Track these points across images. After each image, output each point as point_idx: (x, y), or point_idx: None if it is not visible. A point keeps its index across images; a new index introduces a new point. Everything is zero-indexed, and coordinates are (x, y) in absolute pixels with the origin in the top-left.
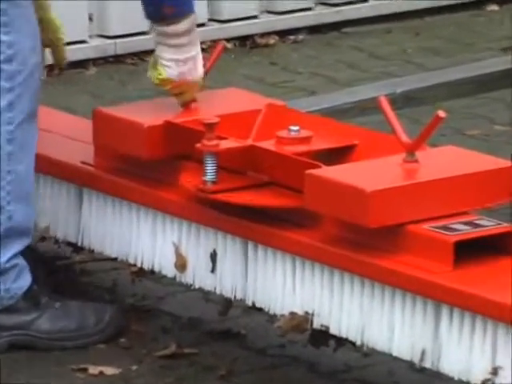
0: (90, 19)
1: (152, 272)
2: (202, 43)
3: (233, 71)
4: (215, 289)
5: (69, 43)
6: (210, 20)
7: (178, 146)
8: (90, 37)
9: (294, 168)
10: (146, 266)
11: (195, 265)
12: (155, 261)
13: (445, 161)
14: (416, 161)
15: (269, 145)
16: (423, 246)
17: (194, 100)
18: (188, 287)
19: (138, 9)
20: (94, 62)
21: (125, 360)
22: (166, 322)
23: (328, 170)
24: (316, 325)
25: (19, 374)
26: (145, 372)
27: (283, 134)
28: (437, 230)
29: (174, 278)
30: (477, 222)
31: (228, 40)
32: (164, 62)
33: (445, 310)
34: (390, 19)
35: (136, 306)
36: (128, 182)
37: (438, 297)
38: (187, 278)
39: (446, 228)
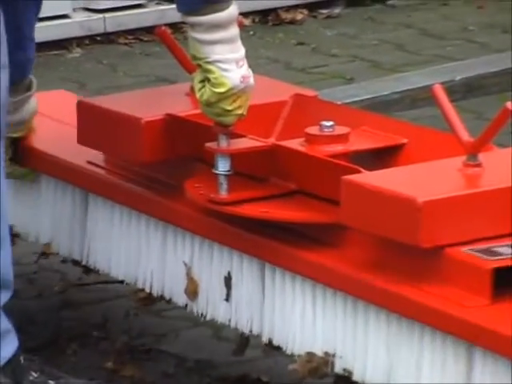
0: None
1: (161, 298)
2: None
3: (252, 53)
4: (230, 321)
5: (47, 18)
6: None
7: (183, 146)
8: (74, 10)
9: (328, 173)
10: (154, 291)
11: (208, 290)
12: (165, 285)
13: None
14: (479, 164)
15: (296, 144)
16: (457, 273)
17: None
18: (195, 323)
19: None
20: (79, 41)
21: None
22: (168, 365)
23: (370, 175)
24: (338, 369)
25: None
26: None
27: (314, 131)
28: (475, 253)
29: (185, 307)
30: None
31: (246, 15)
32: (222, 66)
33: (478, 354)
34: None
35: (131, 346)
36: (135, 188)
37: (469, 338)
38: (199, 306)
39: (487, 251)
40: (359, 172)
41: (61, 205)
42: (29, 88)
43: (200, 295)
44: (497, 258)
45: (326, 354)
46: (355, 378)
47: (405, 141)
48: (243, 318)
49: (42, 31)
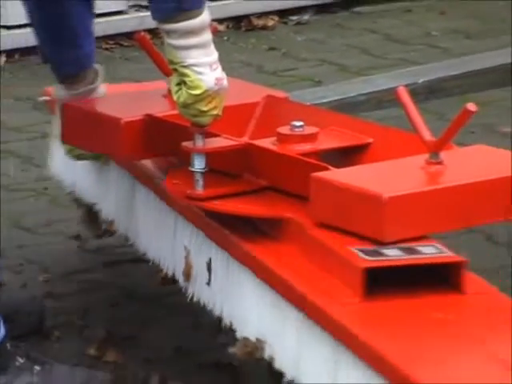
0: None
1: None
2: None
3: (226, 57)
4: (210, 304)
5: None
6: None
7: (161, 145)
8: None
9: (298, 170)
10: (169, 272)
11: (197, 274)
12: (175, 266)
13: (474, 162)
14: (441, 162)
15: (268, 143)
16: (339, 268)
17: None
18: (175, 312)
19: None
20: None
21: None
22: (149, 352)
23: (337, 172)
24: (266, 355)
25: None
26: None
27: (285, 130)
28: (358, 251)
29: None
30: (421, 248)
31: (220, 21)
32: (197, 69)
33: (344, 356)
34: None
35: (112, 333)
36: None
37: (334, 335)
38: (190, 288)
39: (372, 252)
40: (327, 169)
41: (121, 187)
42: (93, 81)
43: (192, 277)
44: (376, 258)
45: (258, 340)
46: (276, 365)
47: (371, 140)
48: (216, 303)
49: (30, 36)
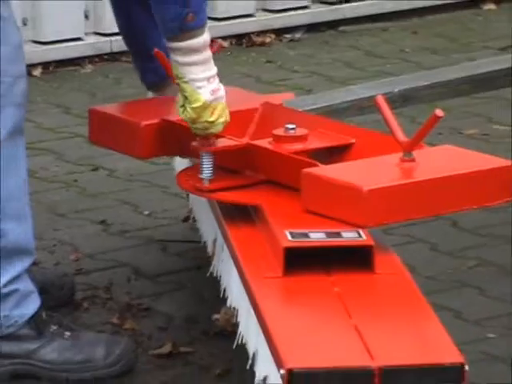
0: (86, 17)
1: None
2: None
3: (229, 69)
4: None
5: (64, 40)
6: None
7: (174, 145)
8: (86, 34)
9: (291, 166)
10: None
11: (214, 253)
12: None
13: (442, 160)
14: (413, 160)
15: (265, 143)
16: (272, 246)
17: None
18: (184, 286)
19: None
20: (90, 59)
21: None
22: (162, 321)
23: (324, 168)
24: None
25: None
26: (140, 371)
27: (279, 132)
28: (288, 233)
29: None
30: (345, 234)
31: (224, 38)
32: (195, 84)
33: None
34: (387, 18)
35: (131, 305)
36: None
37: (252, 303)
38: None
39: (301, 235)
40: (316, 166)
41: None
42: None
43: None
44: (299, 239)
45: (234, 308)
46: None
47: (353, 141)
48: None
49: (61, 51)
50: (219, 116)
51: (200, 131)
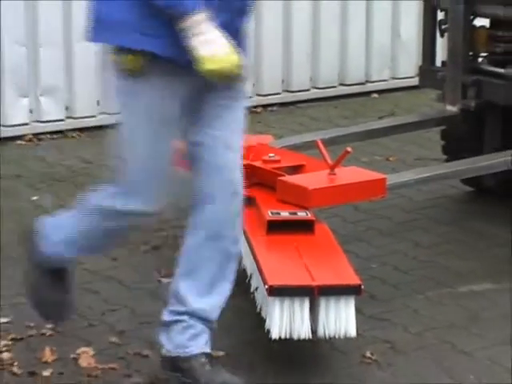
0: None
1: None
2: None
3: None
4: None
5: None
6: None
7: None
8: None
9: (272, 176)
10: None
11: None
12: None
13: (351, 174)
14: (335, 174)
15: (258, 163)
16: (258, 220)
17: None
18: None
19: None
20: None
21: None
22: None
23: (289, 177)
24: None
25: None
26: None
27: (266, 157)
28: (270, 213)
29: None
30: (299, 213)
31: None
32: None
33: (249, 259)
34: None
35: None
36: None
37: (251, 250)
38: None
39: (276, 213)
40: (284, 176)
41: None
42: None
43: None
44: (275, 216)
45: (241, 252)
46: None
47: (304, 163)
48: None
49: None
50: (226, 64)
51: (222, 79)
